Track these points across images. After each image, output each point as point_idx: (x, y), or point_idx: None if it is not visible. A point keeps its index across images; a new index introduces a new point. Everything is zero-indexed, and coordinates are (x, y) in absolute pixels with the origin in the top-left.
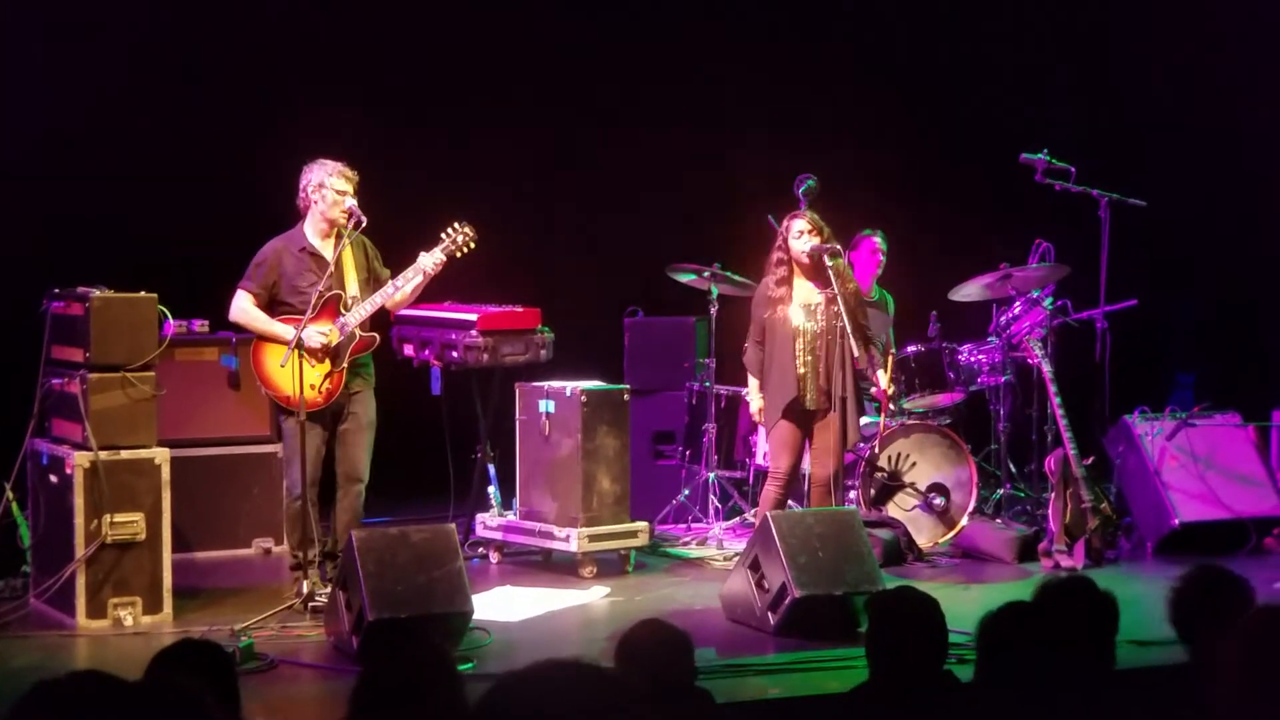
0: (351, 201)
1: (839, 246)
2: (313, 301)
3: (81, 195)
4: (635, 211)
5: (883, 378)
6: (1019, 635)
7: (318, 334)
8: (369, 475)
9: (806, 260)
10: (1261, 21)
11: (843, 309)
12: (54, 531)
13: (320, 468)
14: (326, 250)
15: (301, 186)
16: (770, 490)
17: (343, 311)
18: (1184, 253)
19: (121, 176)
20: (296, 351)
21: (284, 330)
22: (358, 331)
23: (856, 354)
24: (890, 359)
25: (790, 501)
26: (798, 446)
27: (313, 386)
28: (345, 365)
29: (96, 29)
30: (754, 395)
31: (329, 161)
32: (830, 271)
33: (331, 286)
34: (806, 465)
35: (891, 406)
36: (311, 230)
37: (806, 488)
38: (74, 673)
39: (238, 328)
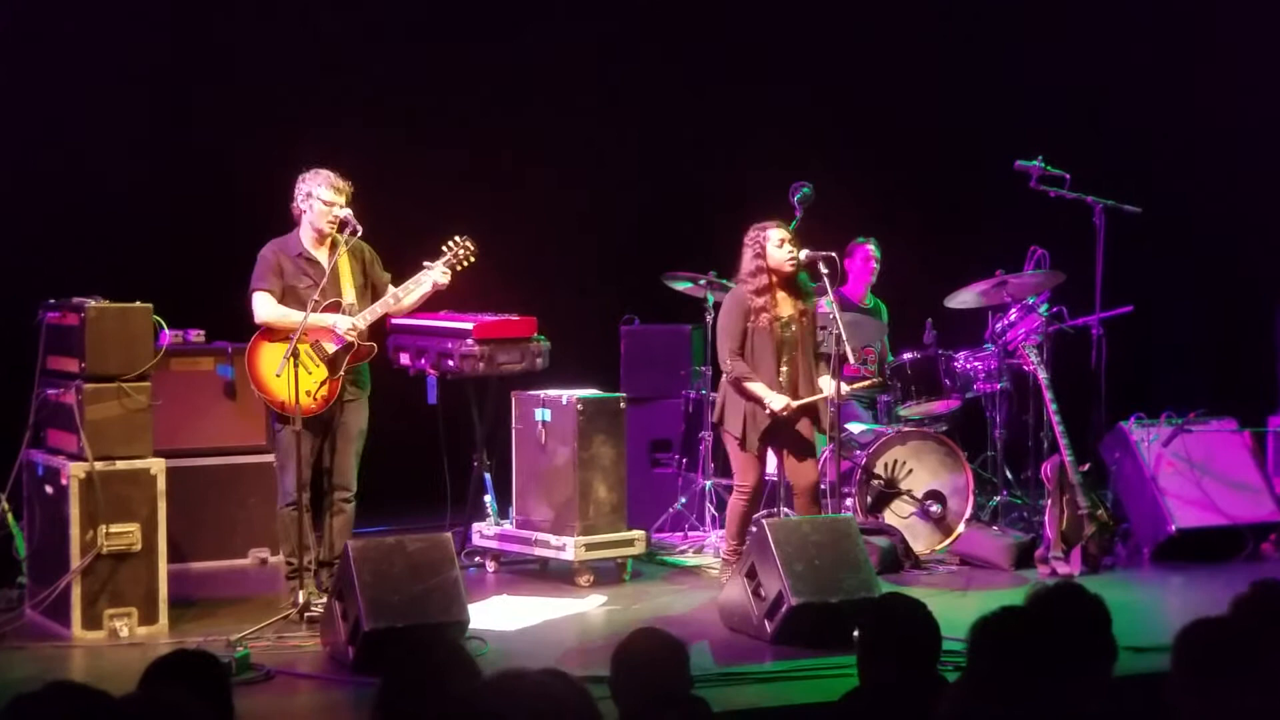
0: (346, 211)
1: (834, 255)
2: (309, 308)
3: (77, 205)
4: (631, 219)
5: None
6: (1012, 640)
7: (347, 324)
8: (357, 484)
9: (789, 269)
10: (1260, 28)
11: (837, 315)
12: (49, 542)
13: (312, 474)
14: (321, 257)
15: (295, 195)
16: (738, 504)
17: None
18: (1180, 258)
19: (117, 186)
20: (292, 360)
21: (319, 319)
22: (358, 341)
23: (852, 360)
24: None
25: (785, 510)
26: (764, 460)
27: (309, 393)
28: (342, 374)
29: (92, 34)
30: (773, 394)
31: (321, 171)
32: (826, 280)
33: (328, 293)
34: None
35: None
36: (306, 238)
37: (782, 493)
38: (52, 684)
39: (269, 328)
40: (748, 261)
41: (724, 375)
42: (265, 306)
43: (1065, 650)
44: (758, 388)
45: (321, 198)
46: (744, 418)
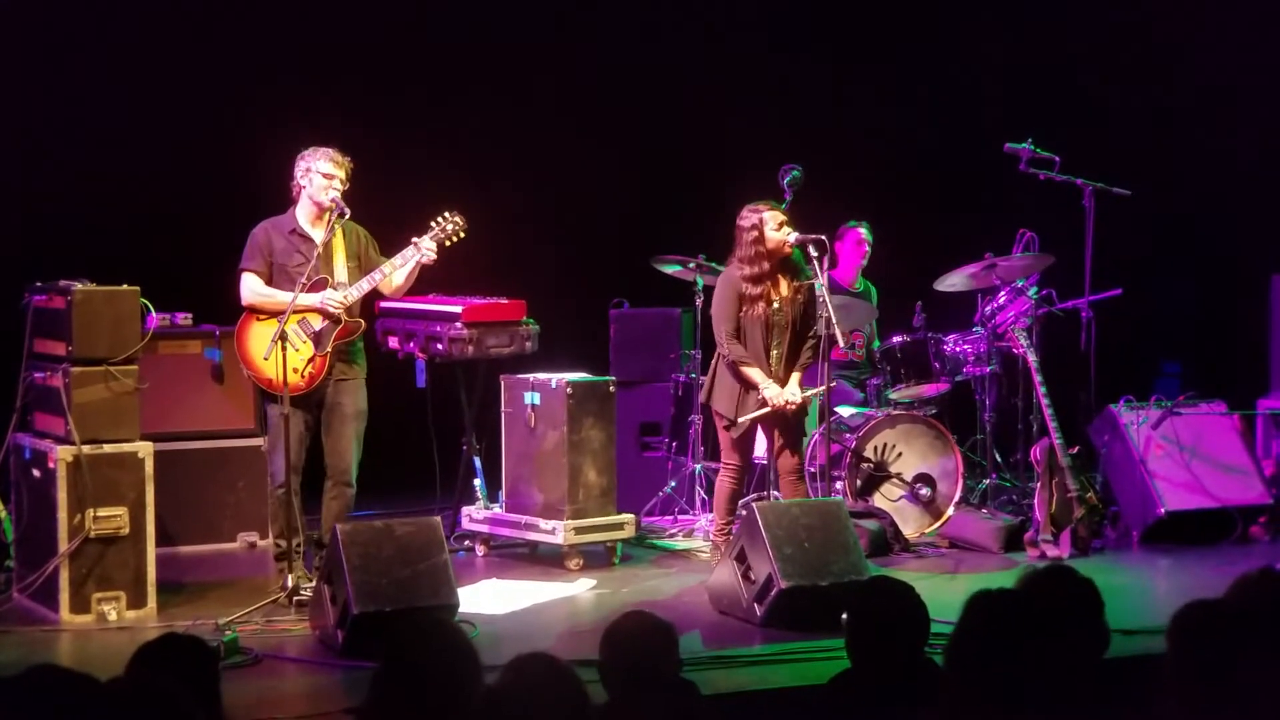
0: (335, 192)
1: (824, 238)
2: (298, 286)
3: (63, 188)
4: (620, 203)
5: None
6: (1003, 621)
7: (335, 297)
8: (357, 469)
9: (786, 252)
10: (1251, 8)
11: (827, 299)
12: (37, 526)
13: (305, 455)
14: (316, 234)
15: (294, 172)
16: (726, 484)
17: None
18: (1169, 241)
19: (104, 169)
20: (281, 342)
21: (305, 299)
22: (343, 316)
23: (842, 344)
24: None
25: (774, 493)
26: (754, 440)
27: (296, 370)
28: (329, 350)
29: (78, 22)
30: (768, 382)
31: (321, 148)
32: (815, 263)
33: (318, 270)
34: (762, 455)
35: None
36: (302, 215)
37: (773, 476)
38: (33, 668)
39: (253, 309)
40: (745, 245)
41: (717, 354)
42: (251, 288)
43: (1056, 633)
44: (754, 374)
45: (321, 170)
46: (735, 399)
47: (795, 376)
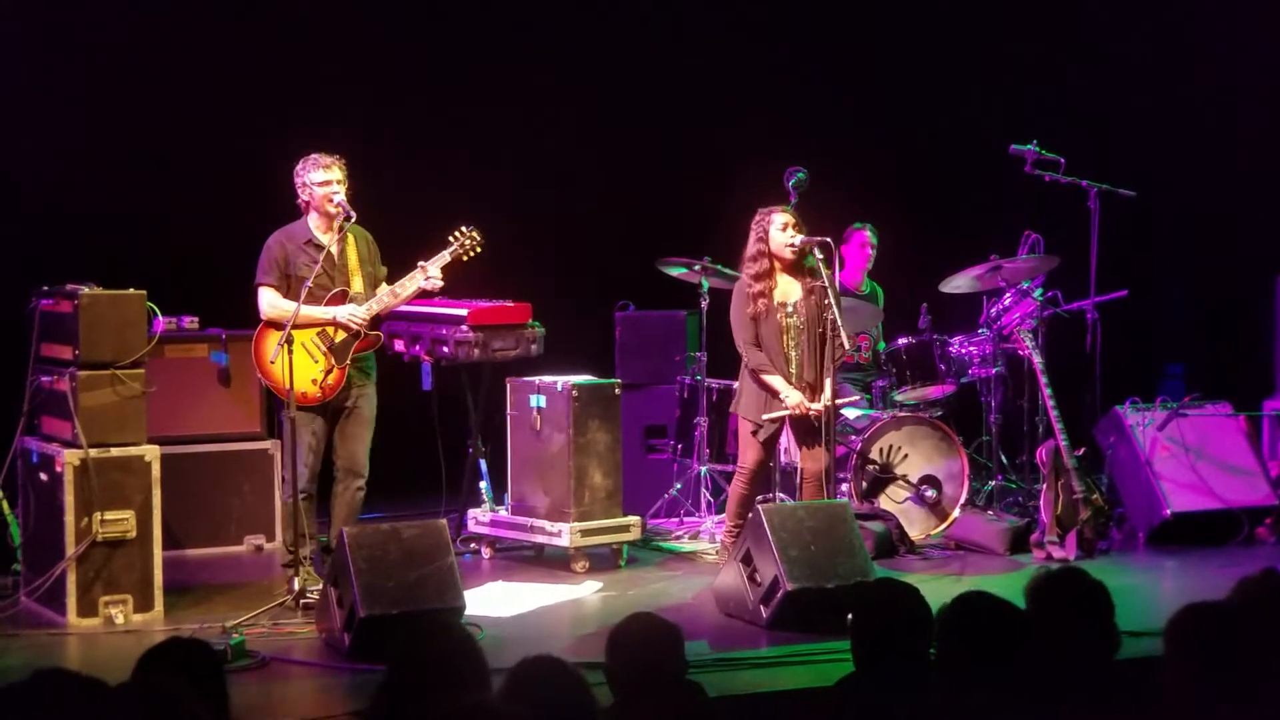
0: (338, 196)
1: (829, 240)
2: (302, 295)
3: (70, 192)
4: (625, 205)
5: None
6: (975, 626)
7: (353, 313)
8: (369, 472)
9: (789, 254)
10: (1253, 13)
11: (833, 302)
12: (44, 529)
13: (319, 463)
14: (329, 243)
15: (297, 187)
16: (738, 487)
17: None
18: (1174, 243)
19: (109, 172)
20: (286, 348)
21: (323, 312)
22: (363, 330)
23: (848, 347)
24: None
25: (781, 495)
26: (775, 447)
27: (315, 381)
28: (348, 364)
29: (86, 24)
30: (790, 390)
31: (309, 156)
32: (821, 265)
33: (336, 281)
34: (795, 460)
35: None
36: (314, 224)
37: (799, 481)
38: (40, 672)
39: (272, 323)
40: (750, 245)
41: (743, 365)
42: (270, 302)
43: (1066, 636)
44: (775, 381)
45: (315, 180)
46: (760, 404)
47: (829, 383)
